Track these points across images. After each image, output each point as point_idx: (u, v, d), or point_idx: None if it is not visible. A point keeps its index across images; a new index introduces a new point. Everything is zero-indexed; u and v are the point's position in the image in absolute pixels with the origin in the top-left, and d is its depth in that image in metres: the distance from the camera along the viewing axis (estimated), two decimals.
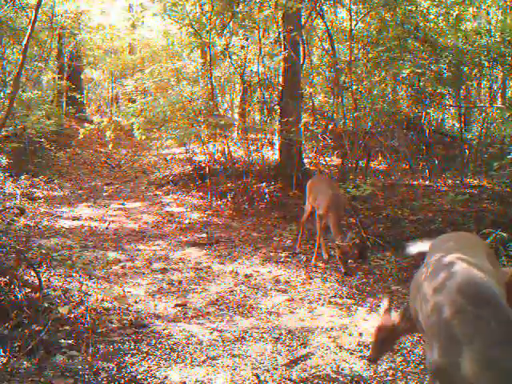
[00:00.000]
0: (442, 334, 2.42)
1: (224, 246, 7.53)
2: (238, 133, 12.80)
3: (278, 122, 10.85)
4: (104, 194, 11.09)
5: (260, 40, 11.54)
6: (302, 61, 10.57)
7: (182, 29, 11.58)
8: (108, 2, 18.64)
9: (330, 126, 11.03)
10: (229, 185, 10.06)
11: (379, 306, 5.26)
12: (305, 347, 4.40)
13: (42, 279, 4.77)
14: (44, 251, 5.69)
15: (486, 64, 9.16)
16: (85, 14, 16.49)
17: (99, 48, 19.88)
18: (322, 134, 11.44)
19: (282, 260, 6.86)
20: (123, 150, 15.81)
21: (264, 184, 9.86)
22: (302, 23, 10.46)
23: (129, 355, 4.17)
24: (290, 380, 3.86)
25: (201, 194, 10.56)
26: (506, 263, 5.19)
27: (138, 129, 10.40)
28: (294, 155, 10.16)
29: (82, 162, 14.07)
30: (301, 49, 10.55)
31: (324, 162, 10.45)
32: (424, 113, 10.91)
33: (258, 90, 12.66)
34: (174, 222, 8.81)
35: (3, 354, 3.74)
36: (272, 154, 11.92)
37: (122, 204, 10.17)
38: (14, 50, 13.62)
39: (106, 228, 8.38)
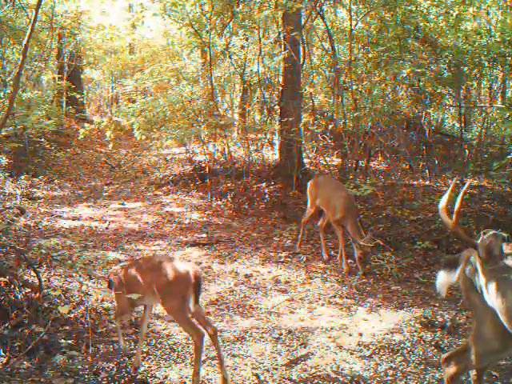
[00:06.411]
0: None
1: (224, 246, 7.53)
2: (238, 133, 12.80)
3: (278, 122, 10.85)
4: (104, 193, 11.09)
5: (260, 40, 11.54)
6: (301, 61, 10.56)
7: (182, 29, 11.59)
8: (108, 2, 18.65)
9: (330, 126, 11.00)
10: (229, 185, 10.06)
11: (379, 305, 5.28)
12: (305, 347, 4.40)
13: (42, 279, 4.77)
14: (44, 251, 5.68)
15: (486, 64, 9.14)
16: (85, 14, 16.50)
17: (99, 48, 19.90)
18: (322, 133, 11.42)
19: (281, 260, 6.86)
20: (123, 150, 15.81)
21: (264, 184, 9.85)
22: (302, 23, 10.45)
23: (129, 355, 4.17)
24: (290, 380, 3.86)
25: (201, 193, 10.56)
26: None
27: (138, 129, 10.39)
28: (293, 155, 10.16)
29: (82, 162, 14.08)
30: (301, 49, 10.54)
31: (324, 162, 10.43)
32: (424, 113, 10.88)
33: (258, 89, 12.66)
34: (174, 222, 8.81)
35: (3, 354, 3.74)
36: (272, 154, 11.92)
37: (122, 204, 10.17)
38: (14, 49, 13.62)
39: (106, 228, 8.38)
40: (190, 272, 3.72)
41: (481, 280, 2.92)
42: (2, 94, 11.95)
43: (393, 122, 10.94)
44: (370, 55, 9.34)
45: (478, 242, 2.92)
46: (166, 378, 3.86)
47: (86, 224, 8.54)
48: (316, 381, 3.86)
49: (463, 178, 9.92)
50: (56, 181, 11.68)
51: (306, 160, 10.72)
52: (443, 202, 3.18)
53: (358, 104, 9.28)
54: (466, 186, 3.19)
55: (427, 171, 10.71)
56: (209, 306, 5.34)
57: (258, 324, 4.89)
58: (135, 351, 4.11)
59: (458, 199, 3.07)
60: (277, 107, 11.64)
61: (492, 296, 2.82)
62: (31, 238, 6.98)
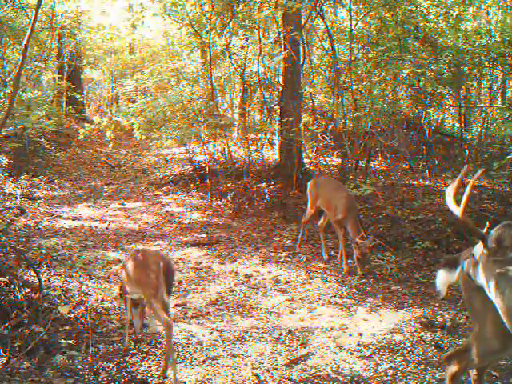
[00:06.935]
0: None
1: (224, 246, 7.53)
2: (237, 133, 12.80)
3: (278, 122, 10.85)
4: (104, 194, 11.09)
5: (260, 40, 11.54)
6: (301, 61, 10.57)
7: (181, 29, 11.59)
8: (108, 2, 18.64)
9: (330, 126, 11.00)
10: (229, 185, 10.06)
11: (379, 305, 5.28)
12: (305, 347, 4.40)
13: (42, 279, 4.77)
14: (44, 251, 5.70)
15: (486, 64, 9.15)
16: (85, 14, 16.52)
17: (99, 48, 19.90)
18: (322, 133, 11.43)
19: (281, 260, 6.86)
20: (123, 150, 15.81)
21: (264, 184, 9.85)
22: (302, 23, 10.46)
23: (129, 355, 4.18)
24: (290, 380, 3.86)
25: (201, 193, 10.56)
26: None
27: (138, 129, 10.38)
28: (293, 155, 10.16)
29: (82, 162, 14.07)
30: (301, 49, 10.55)
31: (324, 162, 10.44)
32: (424, 113, 10.88)
33: (258, 89, 12.66)
34: (174, 222, 8.81)
35: (3, 354, 3.75)
36: (272, 154, 11.92)
37: (122, 204, 10.17)
38: (14, 50, 13.63)
39: (106, 228, 8.38)
40: (161, 264, 3.90)
41: (481, 275, 2.89)
42: (2, 93, 11.96)
43: (393, 122, 10.93)
44: (370, 55, 9.35)
45: (491, 231, 2.88)
46: (166, 377, 3.86)
47: (86, 224, 8.54)
48: (316, 381, 3.86)
49: (463, 178, 9.92)
50: (56, 181, 11.68)
51: (306, 160, 10.73)
52: (451, 189, 3.13)
53: (358, 104, 9.28)
54: (477, 175, 3.12)
55: (427, 171, 10.71)
56: (209, 305, 5.34)
57: (258, 324, 4.89)
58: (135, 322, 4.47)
59: (468, 189, 3.01)
60: (277, 107, 11.64)
61: (492, 293, 2.81)
62: (31, 238, 6.99)
